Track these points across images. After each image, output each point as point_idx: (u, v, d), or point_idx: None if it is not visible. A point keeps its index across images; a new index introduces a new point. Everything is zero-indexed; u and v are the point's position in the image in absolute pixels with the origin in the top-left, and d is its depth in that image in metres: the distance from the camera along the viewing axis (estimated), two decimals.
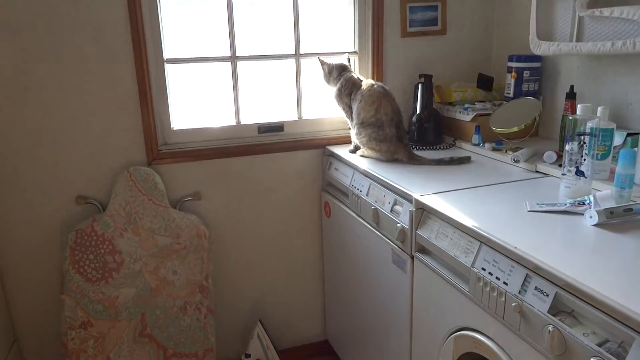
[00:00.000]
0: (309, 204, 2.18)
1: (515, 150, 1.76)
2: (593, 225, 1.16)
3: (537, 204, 1.29)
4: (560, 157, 1.62)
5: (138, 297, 1.87)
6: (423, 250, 1.43)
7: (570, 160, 1.33)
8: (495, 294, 1.11)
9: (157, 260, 1.89)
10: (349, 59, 1.97)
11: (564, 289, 0.95)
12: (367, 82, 1.87)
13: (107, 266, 1.85)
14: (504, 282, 1.08)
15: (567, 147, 1.34)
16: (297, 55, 2.04)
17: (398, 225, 1.50)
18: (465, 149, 1.95)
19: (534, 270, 1.02)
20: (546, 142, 1.88)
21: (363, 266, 1.82)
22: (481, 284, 1.15)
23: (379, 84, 1.84)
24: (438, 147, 1.99)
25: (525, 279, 1.04)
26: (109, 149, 1.87)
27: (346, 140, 2.10)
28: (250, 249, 2.14)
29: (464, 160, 1.76)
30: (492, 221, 1.22)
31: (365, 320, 1.86)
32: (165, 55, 1.88)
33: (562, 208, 1.25)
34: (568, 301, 0.94)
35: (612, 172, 1.42)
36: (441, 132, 2.07)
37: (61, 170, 1.83)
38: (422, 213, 1.42)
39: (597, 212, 1.14)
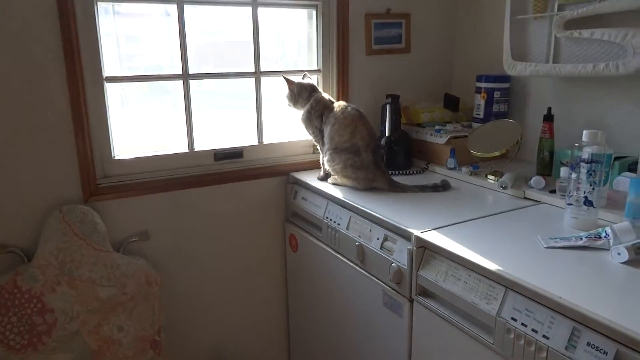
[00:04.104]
0: (271, 238, 1.96)
1: (494, 174, 1.68)
2: (621, 262, 1.07)
3: (552, 239, 1.19)
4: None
5: None
6: (425, 293, 1.28)
7: (578, 189, 1.25)
8: (532, 348, 0.97)
9: (99, 317, 1.58)
10: (304, 77, 1.80)
11: (626, 346, 0.83)
12: (339, 103, 1.71)
13: (35, 329, 1.51)
14: (544, 336, 0.96)
15: (572, 175, 1.26)
16: (257, 74, 1.83)
17: (393, 265, 1.34)
18: (440, 173, 1.85)
19: (582, 322, 0.90)
20: (522, 164, 1.82)
21: (342, 308, 1.64)
22: (512, 336, 1.02)
23: (353, 106, 1.69)
24: (409, 172, 1.87)
25: (572, 333, 0.91)
26: (35, 185, 1.54)
27: (312, 166, 1.92)
28: (206, 292, 1.88)
29: (448, 187, 1.65)
30: (512, 261, 1.10)
31: None
32: (105, 73, 1.59)
33: (580, 243, 1.15)
34: None
35: (610, 198, 1.37)
36: (411, 156, 1.96)
37: None
38: (424, 252, 1.27)
39: (627, 248, 1.06)
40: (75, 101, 1.53)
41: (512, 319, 1.02)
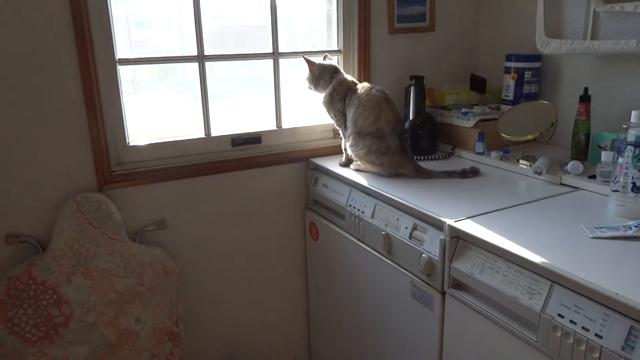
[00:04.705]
0: (291, 226, 1.90)
1: (526, 159, 1.59)
2: None
3: (597, 229, 1.10)
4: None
5: (93, 355, 1.50)
6: (458, 285, 1.21)
7: (625, 174, 1.16)
8: (583, 348, 0.90)
9: (116, 308, 1.53)
10: (325, 58, 1.72)
11: None
12: (363, 85, 1.63)
13: (51, 321, 1.46)
14: (597, 335, 0.88)
15: (619, 159, 1.17)
16: (276, 55, 1.75)
17: (423, 255, 1.27)
18: (467, 157, 1.76)
19: None
20: (554, 148, 1.73)
21: (366, 299, 1.57)
22: (559, 334, 0.94)
23: (378, 87, 1.60)
24: (434, 157, 1.79)
25: (629, 332, 0.84)
26: (48, 174, 1.48)
27: (333, 151, 1.84)
28: (224, 282, 1.83)
29: (477, 173, 1.57)
30: (556, 253, 1.02)
31: None
32: (118, 55, 1.52)
33: (630, 233, 1.07)
34: None
35: None
36: (436, 140, 1.87)
37: None
38: (458, 242, 1.20)
39: None
40: (88, 85, 1.46)
41: (559, 315, 0.94)
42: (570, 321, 0.92)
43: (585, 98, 1.57)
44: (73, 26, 1.41)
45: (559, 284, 0.96)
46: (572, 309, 0.93)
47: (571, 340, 0.92)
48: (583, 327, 0.90)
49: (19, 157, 1.44)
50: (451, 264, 1.20)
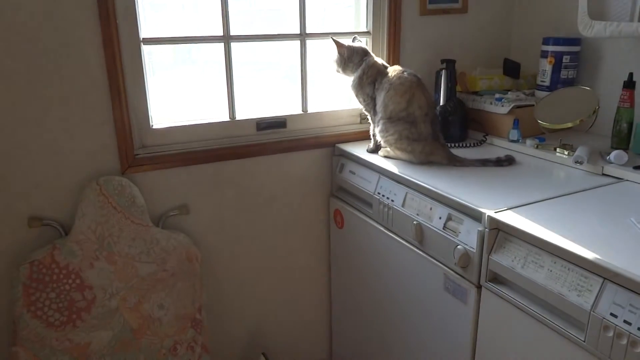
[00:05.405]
0: (315, 213, 1.85)
1: (564, 147, 1.52)
2: None
3: None
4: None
5: (116, 341, 1.49)
6: (495, 279, 1.16)
7: None
8: (639, 350, 0.84)
9: (139, 294, 1.51)
10: (354, 40, 1.65)
11: None
12: (393, 68, 1.56)
13: (74, 305, 1.44)
14: None
15: None
16: (303, 36, 1.69)
17: (459, 247, 1.21)
18: (499, 145, 1.69)
19: None
20: (592, 137, 1.65)
21: (392, 290, 1.53)
22: (611, 334, 0.89)
23: (410, 71, 1.54)
24: (465, 145, 1.72)
25: None
26: (71, 156, 1.45)
27: (359, 137, 1.79)
28: (247, 270, 1.79)
29: (512, 161, 1.50)
30: (607, 248, 0.96)
31: (392, 355, 1.58)
32: (142, 34, 1.48)
33: None
34: None
35: None
36: (467, 127, 1.80)
37: (8, 185, 1.40)
38: (497, 234, 1.14)
39: None
40: (111, 65, 1.42)
41: (612, 314, 0.89)
42: (625, 321, 0.87)
43: (629, 84, 1.49)
44: (98, 4, 1.36)
45: (612, 282, 0.90)
46: (627, 308, 0.87)
47: (625, 342, 0.86)
48: (639, 329, 0.85)
49: (41, 137, 1.40)
50: (490, 257, 1.14)
